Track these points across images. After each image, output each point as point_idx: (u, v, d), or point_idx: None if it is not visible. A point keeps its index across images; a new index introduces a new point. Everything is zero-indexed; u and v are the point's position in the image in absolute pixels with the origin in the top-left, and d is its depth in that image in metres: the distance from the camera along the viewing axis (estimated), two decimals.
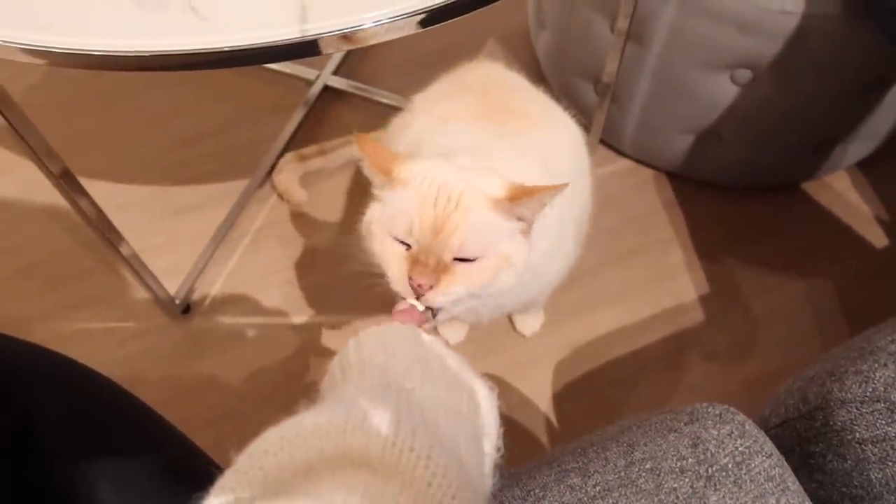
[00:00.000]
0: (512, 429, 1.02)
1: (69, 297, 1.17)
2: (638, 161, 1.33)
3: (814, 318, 1.18)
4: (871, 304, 1.17)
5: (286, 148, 1.30)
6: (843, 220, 1.28)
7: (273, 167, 1.28)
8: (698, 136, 1.20)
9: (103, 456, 0.50)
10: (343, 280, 1.18)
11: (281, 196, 1.26)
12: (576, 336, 1.15)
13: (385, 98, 1.37)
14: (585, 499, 0.51)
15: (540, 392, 1.10)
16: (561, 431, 1.08)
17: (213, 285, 1.18)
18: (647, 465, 0.51)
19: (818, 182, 1.32)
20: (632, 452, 0.53)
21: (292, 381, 1.10)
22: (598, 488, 0.51)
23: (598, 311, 1.18)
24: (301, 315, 1.16)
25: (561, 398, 1.10)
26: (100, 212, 0.91)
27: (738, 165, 1.25)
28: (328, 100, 1.41)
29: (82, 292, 1.17)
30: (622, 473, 0.51)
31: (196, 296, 1.17)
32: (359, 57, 1.47)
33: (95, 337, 1.13)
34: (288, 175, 1.25)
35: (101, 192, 0.97)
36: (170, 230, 1.23)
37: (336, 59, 1.44)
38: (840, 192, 1.32)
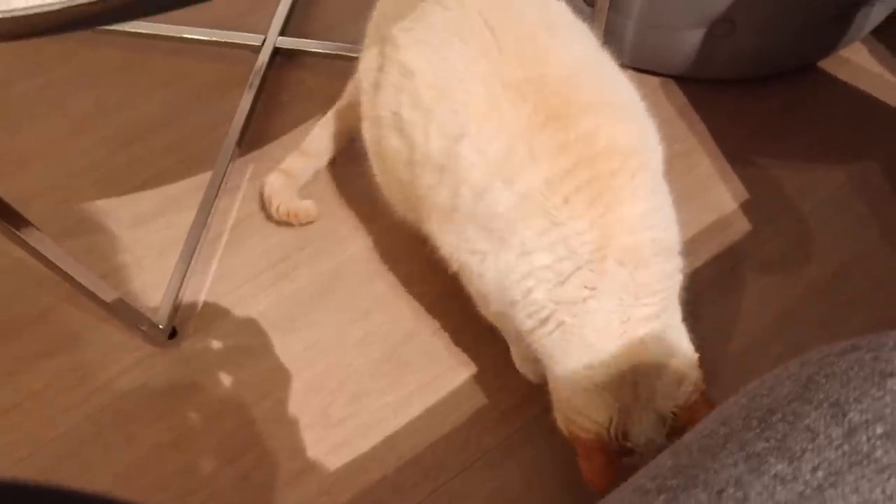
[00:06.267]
0: None
1: (29, 347, 0.98)
2: (641, 70, 1.19)
3: (867, 203, 1.07)
4: None
5: (246, 127, 1.12)
6: (871, 92, 1.17)
7: (234, 152, 1.10)
8: (709, 27, 1.06)
9: None
10: (352, 262, 1.03)
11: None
12: None
13: (346, 50, 1.19)
14: (809, 491, 0.38)
15: None
16: None
17: (198, 299, 1.01)
18: (878, 430, 0.39)
19: (835, 59, 1.20)
20: (843, 414, 0.40)
21: (312, 394, 0.95)
22: (820, 474, 0.38)
23: None
24: (307, 316, 1.00)
25: None
26: (47, 240, 0.74)
27: (753, 53, 1.12)
28: (281, 65, 1.23)
29: (43, 338, 0.99)
30: (845, 447, 0.38)
31: (180, 315, 1.00)
32: (305, 10, 1.29)
33: (71, 387, 0.95)
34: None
35: (42, 217, 0.80)
36: (132, 245, 1.05)
37: (280, 16, 1.25)
38: (860, 64, 1.20)
